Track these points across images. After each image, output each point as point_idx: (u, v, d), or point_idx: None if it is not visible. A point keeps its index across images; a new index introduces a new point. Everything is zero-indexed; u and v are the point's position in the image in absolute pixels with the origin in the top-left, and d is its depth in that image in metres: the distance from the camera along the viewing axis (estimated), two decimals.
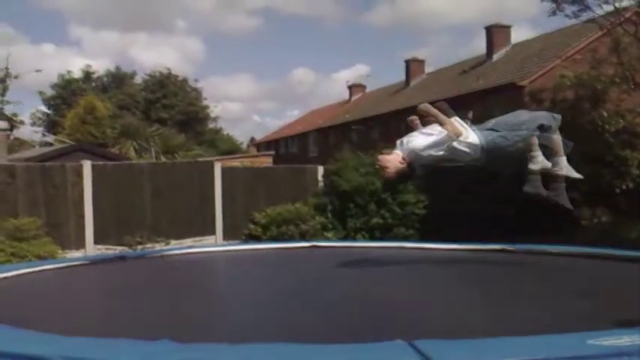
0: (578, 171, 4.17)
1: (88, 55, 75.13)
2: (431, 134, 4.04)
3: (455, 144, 3.87)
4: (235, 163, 17.76)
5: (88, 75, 42.76)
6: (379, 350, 1.97)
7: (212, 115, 46.22)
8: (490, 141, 3.92)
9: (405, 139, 4.14)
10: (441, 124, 3.92)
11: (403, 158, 3.98)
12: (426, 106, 4.05)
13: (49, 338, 2.30)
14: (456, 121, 3.96)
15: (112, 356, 2.05)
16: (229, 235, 11.50)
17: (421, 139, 4.05)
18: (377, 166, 4.27)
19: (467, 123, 4.08)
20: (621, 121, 10.45)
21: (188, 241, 10.99)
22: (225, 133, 48.97)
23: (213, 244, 10.60)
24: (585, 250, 5.18)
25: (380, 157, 4.16)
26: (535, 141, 3.99)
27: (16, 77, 28.83)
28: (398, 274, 4.37)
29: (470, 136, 3.92)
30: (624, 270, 4.30)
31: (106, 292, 4.05)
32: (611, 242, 7.31)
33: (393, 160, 4.02)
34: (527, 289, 3.63)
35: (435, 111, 3.98)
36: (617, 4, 10.68)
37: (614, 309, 2.91)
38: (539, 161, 4.00)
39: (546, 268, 4.61)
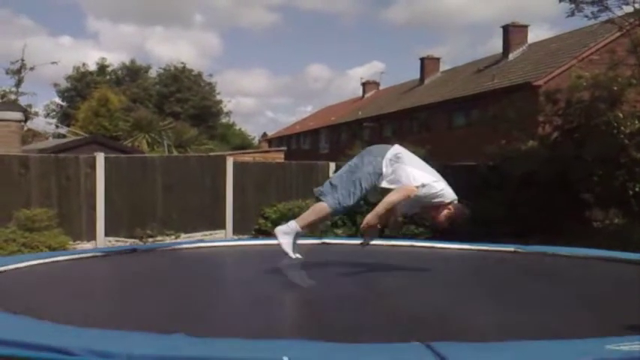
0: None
1: (104, 48, 75.48)
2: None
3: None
4: (247, 158, 17.77)
5: (102, 68, 43.02)
6: (395, 352, 1.95)
7: (225, 109, 46.35)
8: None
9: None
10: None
11: None
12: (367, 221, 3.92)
13: (65, 329, 2.30)
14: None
15: (126, 349, 2.04)
16: (239, 229, 11.52)
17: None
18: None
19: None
20: (637, 122, 10.36)
21: (198, 235, 11.03)
22: (237, 127, 49.09)
23: (223, 239, 10.63)
24: (599, 252, 5.13)
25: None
26: None
27: (31, 69, 29.21)
28: (409, 273, 4.34)
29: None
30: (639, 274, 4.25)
31: (119, 285, 4.06)
32: (624, 244, 7.24)
33: None
34: (542, 292, 3.60)
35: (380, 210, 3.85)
36: (637, 5, 10.58)
37: (631, 313, 2.87)
38: None
39: (560, 270, 4.57)
